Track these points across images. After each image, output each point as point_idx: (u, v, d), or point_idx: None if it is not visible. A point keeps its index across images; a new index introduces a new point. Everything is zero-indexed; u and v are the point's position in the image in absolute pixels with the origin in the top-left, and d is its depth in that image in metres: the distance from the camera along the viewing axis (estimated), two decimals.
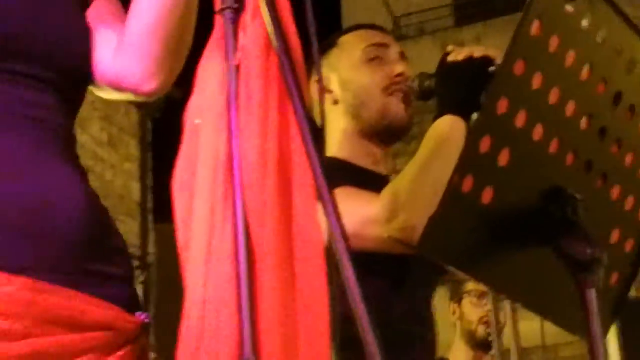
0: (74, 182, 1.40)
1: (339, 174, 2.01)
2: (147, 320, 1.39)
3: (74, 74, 1.46)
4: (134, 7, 1.48)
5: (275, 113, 1.30)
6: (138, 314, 1.39)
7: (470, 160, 1.37)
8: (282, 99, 1.29)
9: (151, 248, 12.94)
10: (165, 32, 1.45)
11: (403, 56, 2.22)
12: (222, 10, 1.34)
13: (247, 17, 1.32)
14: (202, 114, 1.34)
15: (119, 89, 1.51)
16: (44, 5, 1.45)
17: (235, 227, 1.25)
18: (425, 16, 13.80)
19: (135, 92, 1.49)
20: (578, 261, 1.42)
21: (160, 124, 13.43)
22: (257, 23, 1.31)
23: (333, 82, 2.19)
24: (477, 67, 1.90)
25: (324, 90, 2.14)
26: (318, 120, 2.18)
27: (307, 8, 1.29)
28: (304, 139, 1.22)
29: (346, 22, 14.44)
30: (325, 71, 2.19)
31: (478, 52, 1.93)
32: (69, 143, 1.44)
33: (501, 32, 11.75)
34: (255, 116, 1.29)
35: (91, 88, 1.54)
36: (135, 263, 12.17)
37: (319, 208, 1.21)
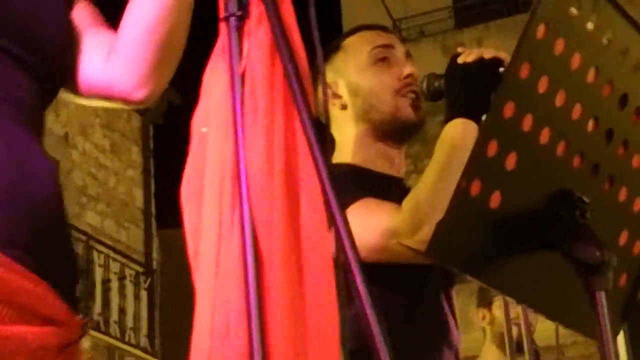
0: (47, 163, 1.37)
1: (356, 183, 2.00)
2: (85, 321, 1.35)
3: (55, 62, 1.45)
4: (127, 15, 1.47)
5: (281, 120, 1.29)
6: (79, 315, 1.34)
7: (477, 165, 1.36)
8: (287, 106, 1.29)
9: (155, 254, 12.95)
10: (158, 40, 1.45)
11: (409, 55, 2.20)
12: (226, 17, 1.33)
13: (251, 24, 1.32)
14: (208, 122, 1.34)
15: (108, 96, 1.50)
16: None
17: (243, 235, 1.24)
18: (424, 19, 13.79)
19: (125, 99, 1.49)
20: (587, 264, 1.42)
21: (162, 130, 13.44)
22: (261, 30, 1.31)
23: (341, 86, 2.16)
24: (487, 69, 1.88)
25: (327, 95, 2.13)
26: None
27: (310, 15, 1.29)
28: (310, 146, 1.22)
29: (346, 25, 14.44)
30: (332, 76, 2.17)
31: (488, 53, 1.92)
32: (39, 127, 1.42)
33: (502, 33, 11.76)
34: (261, 124, 1.28)
35: (73, 97, 1.53)
36: (140, 269, 12.17)
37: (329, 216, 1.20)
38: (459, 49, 1.98)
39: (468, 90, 1.91)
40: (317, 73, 2.22)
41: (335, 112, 2.17)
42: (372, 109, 2.12)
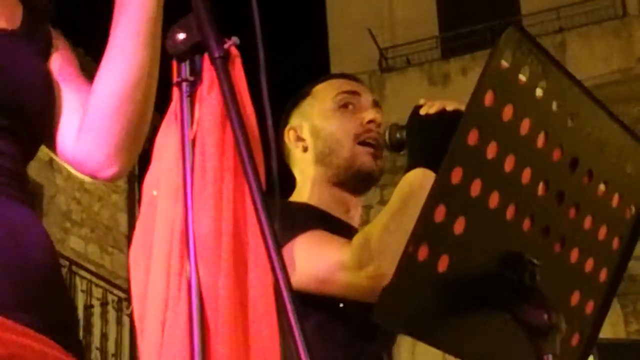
0: (36, 223, 1.41)
1: (309, 217, 2.03)
2: None
3: (35, 123, 1.46)
4: (94, 93, 1.47)
5: (230, 186, 1.31)
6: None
7: (424, 230, 1.37)
8: (237, 173, 1.30)
9: None
10: (124, 118, 1.45)
11: (376, 104, 2.23)
12: (179, 82, 1.35)
13: (203, 90, 1.34)
14: (158, 186, 1.35)
15: (78, 170, 1.51)
16: (11, 52, 1.45)
17: (190, 300, 1.26)
18: (411, 48, 13.84)
19: (94, 176, 1.50)
20: (535, 327, 1.43)
21: (147, 155, 13.42)
22: (213, 96, 1.33)
23: (305, 130, 2.21)
24: (449, 121, 1.90)
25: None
26: (291, 168, 2.22)
27: (261, 83, 1.30)
28: (256, 212, 1.23)
29: (333, 55, 14.49)
30: (299, 120, 2.22)
31: (450, 105, 1.94)
32: (23, 188, 1.44)
33: None
34: (210, 189, 1.30)
35: (52, 154, 1.54)
36: (122, 295, 12.12)
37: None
38: (421, 101, 2.00)
39: (429, 141, 1.94)
40: (282, 121, 2.26)
41: (298, 154, 2.22)
42: (331, 153, 2.15)
